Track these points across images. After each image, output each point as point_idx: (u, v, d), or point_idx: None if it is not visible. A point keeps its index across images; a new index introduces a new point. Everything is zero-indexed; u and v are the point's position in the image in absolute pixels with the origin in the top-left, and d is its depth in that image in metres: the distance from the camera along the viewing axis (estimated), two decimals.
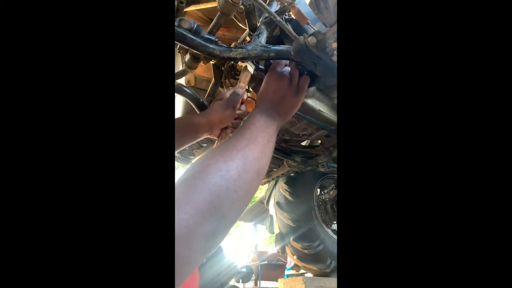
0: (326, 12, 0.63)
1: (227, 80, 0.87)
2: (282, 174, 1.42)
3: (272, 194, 1.75)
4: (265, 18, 0.68)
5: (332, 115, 0.87)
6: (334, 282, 1.42)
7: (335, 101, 0.86)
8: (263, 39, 0.62)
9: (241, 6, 0.65)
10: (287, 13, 0.67)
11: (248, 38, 0.74)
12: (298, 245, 1.54)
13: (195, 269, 0.33)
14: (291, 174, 1.56)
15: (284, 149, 1.22)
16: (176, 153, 1.25)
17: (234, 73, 0.85)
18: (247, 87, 0.72)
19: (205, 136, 0.67)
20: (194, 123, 0.65)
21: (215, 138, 0.69)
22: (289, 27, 0.60)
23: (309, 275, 1.72)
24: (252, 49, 0.53)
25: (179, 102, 1.11)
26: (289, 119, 0.60)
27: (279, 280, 1.58)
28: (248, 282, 3.85)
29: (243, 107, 0.70)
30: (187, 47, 0.51)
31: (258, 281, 3.78)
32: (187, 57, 0.71)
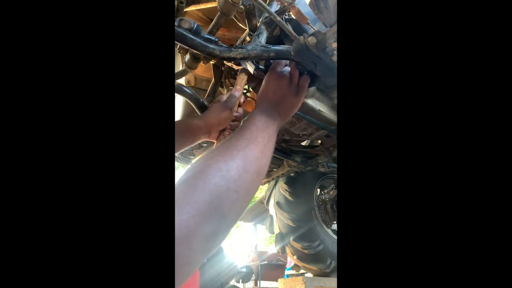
0: (326, 12, 0.63)
1: (227, 80, 0.87)
2: (282, 174, 1.42)
3: (272, 194, 1.75)
4: (265, 18, 0.68)
5: (332, 115, 0.87)
6: (334, 282, 1.41)
7: (335, 101, 0.86)
8: (263, 39, 0.62)
9: (241, 6, 0.65)
10: (287, 13, 0.67)
11: (248, 38, 0.74)
12: (298, 245, 1.54)
13: (196, 269, 0.33)
14: (291, 174, 1.56)
15: (284, 149, 1.22)
16: (176, 153, 1.25)
17: (234, 73, 0.85)
18: (245, 89, 0.72)
19: (203, 139, 0.68)
20: (192, 126, 0.65)
21: (213, 140, 0.69)
22: (289, 27, 0.60)
23: (309, 275, 1.72)
24: (252, 49, 0.53)
25: (179, 102, 1.11)
26: (289, 119, 0.60)
27: (279, 280, 1.58)
28: (248, 282, 3.85)
29: (240, 110, 0.70)
30: (187, 47, 0.51)
31: (258, 281, 3.78)
32: (187, 57, 0.71)
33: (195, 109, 0.78)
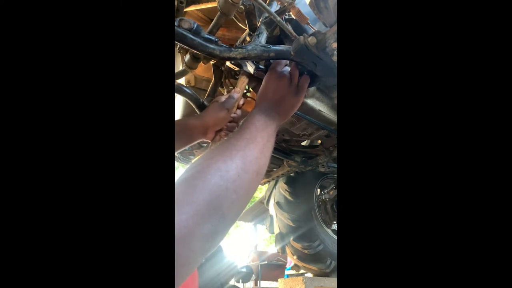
0: (326, 12, 0.63)
1: (227, 80, 0.87)
2: (282, 174, 1.42)
3: (272, 194, 1.75)
4: (265, 18, 0.68)
5: (332, 115, 0.86)
6: (334, 282, 1.42)
7: (335, 101, 0.86)
8: (263, 39, 0.62)
9: (241, 6, 0.65)
10: (287, 13, 0.67)
11: (248, 38, 0.74)
12: (298, 245, 1.54)
13: (195, 269, 0.33)
14: (291, 174, 1.56)
15: (284, 149, 1.22)
16: (176, 153, 1.25)
17: (234, 73, 0.85)
18: (245, 90, 0.72)
19: (199, 138, 0.67)
20: (188, 125, 0.65)
21: (209, 141, 0.69)
22: (289, 27, 0.60)
23: (309, 275, 1.72)
24: (252, 49, 0.53)
25: (179, 102, 1.11)
26: (289, 119, 0.61)
27: (279, 280, 1.58)
28: (248, 282, 3.85)
29: (238, 111, 0.70)
30: (187, 47, 0.51)
31: (258, 281, 3.78)
32: (187, 57, 0.71)
33: (195, 109, 0.78)
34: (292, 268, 3.07)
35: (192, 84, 1.09)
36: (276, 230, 1.68)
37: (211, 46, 0.51)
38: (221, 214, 0.35)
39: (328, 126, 0.95)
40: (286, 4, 0.64)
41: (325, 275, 1.54)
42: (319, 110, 0.83)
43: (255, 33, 0.64)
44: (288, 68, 0.57)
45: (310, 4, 0.65)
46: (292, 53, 0.53)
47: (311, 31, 0.66)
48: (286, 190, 1.62)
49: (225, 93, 0.91)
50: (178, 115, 1.13)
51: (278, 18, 0.57)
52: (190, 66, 0.71)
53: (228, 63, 0.72)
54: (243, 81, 0.69)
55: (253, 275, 3.73)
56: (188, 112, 1.10)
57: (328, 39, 0.50)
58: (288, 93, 0.54)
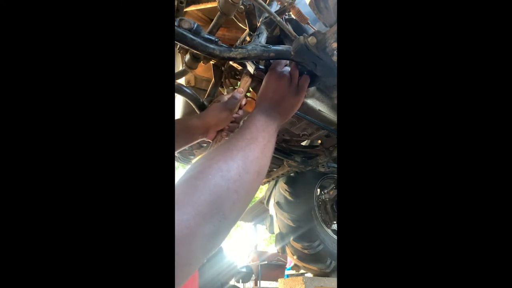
0: (326, 12, 0.63)
1: (227, 80, 0.87)
2: (282, 174, 1.42)
3: (272, 194, 1.75)
4: (265, 18, 0.68)
5: (332, 115, 0.86)
6: (334, 282, 1.41)
7: (335, 101, 0.86)
8: (263, 39, 0.62)
9: (241, 6, 0.65)
10: (287, 13, 0.67)
11: (248, 38, 0.74)
12: (298, 245, 1.54)
13: (196, 269, 0.33)
14: (291, 174, 1.56)
15: (284, 149, 1.22)
16: (176, 153, 1.25)
17: (234, 73, 0.85)
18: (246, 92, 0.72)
19: (200, 138, 0.67)
20: (189, 125, 0.65)
21: (210, 140, 0.68)
22: (289, 27, 0.60)
23: (309, 275, 1.72)
24: (252, 49, 0.53)
25: (179, 102, 1.11)
26: (289, 119, 0.60)
27: (279, 280, 1.58)
28: (248, 282, 3.85)
29: (240, 112, 0.70)
30: (187, 47, 0.51)
31: (258, 281, 3.78)
32: (187, 57, 0.71)
33: (195, 109, 0.78)
34: (292, 268, 3.07)
35: (192, 84, 1.09)
36: (276, 230, 1.68)
37: (211, 46, 0.51)
38: (222, 215, 0.35)
39: (328, 126, 0.95)
40: (286, 4, 0.64)
41: (325, 275, 1.54)
42: (319, 110, 0.83)
43: (255, 33, 0.64)
44: (288, 68, 0.57)
45: (310, 4, 0.65)
46: (292, 53, 0.53)
47: (311, 31, 0.66)
48: (286, 190, 1.62)
49: (225, 93, 0.91)
50: (178, 115, 1.13)
51: (278, 18, 0.57)
52: (190, 66, 0.71)
53: (231, 62, 0.72)
54: (246, 81, 0.69)
55: (253, 275, 3.73)
56: (188, 112, 1.10)
57: (328, 39, 0.50)
58: (288, 93, 0.54)
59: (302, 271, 1.85)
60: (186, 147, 0.67)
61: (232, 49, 0.53)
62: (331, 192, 1.68)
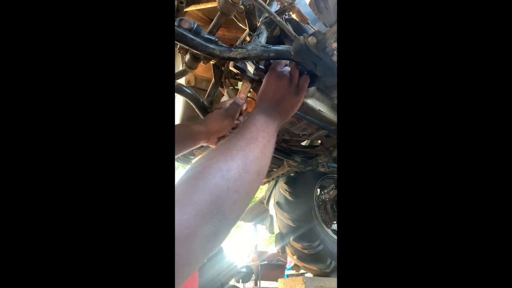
0: (326, 12, 0.63)
1: (227, 80, 0.87)
2: (282, 174, 1.42)
3: (272, 194, 1.75)
4: (265, 18, 0.68)
5: (332, 115, 0.86)
6: (334, 282, 1.41)
7: (335, 101, 0.86)
8: (263, 39, 0.62)
9: (241, 6, 0.65)
10: (287, 13, 0.67)
11: (248, 38, 0.74)
12: (298, 245, 1.54)
13: (196, 269, 0.33)
14: (291, 174, 1.56)
15: (284, 149, 1.22)
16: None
17: (234, 73, 0.85)
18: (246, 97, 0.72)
19: (202, 144, 0.69)
20: (192, 131, 0.66)
21: (212, 146, 0.70)
22: (289, 27, 0.60)
23: (309, 275, 1.72)
24: (252, 49, 0.53)
25: (179, 102, 1.11)
26: (289, 119, 0.61)
27: (279, 280, 1.58)
28: (248, 282, 3.85)
29: (241, 118, 0.71)
30: (187, 47, 0.51)
31: (258, 281, 3.78)
32: (187, 57, 0.71)
33: (195, 109, 0.78)
34: (292, 268, 3.07)
35: (192, 84, 1.09)
36: (276, 230, 1.68)
37: (211, 46, 0.51)
38: (223, 215, 0.35)
39: (328, 126, 0.95)
40: (286, 4, 0.64)
41: (325, 275, 1.54)
42: (319, 110, 0.83)
43: (255, 33, 0.64)
44: (288, 68, 0.57)
45: (310, 4, 0.65)
46: (292, 53, 0.53)
47: (311, 31, 0.66)
48: (286, 190, 1.62)
49: (225, 93, 0.91)
50: (178, 115, 1.13)
51: (278, 18, 0.57)
52: (190, 66, 0.71)
53: (230, 67, 0.73)
54: (246, 86, 0.70)
55: (253, 275, 3.73)
56: (188, 112, 1.10)
57: (328, 39, 0.50)
58: (288, 93, 0.54)
59: (302, 271, 1.84)
60: (188, 151, 0.68)
61: (232, 49, 0.53)
62: (331, 192, 1.68)
